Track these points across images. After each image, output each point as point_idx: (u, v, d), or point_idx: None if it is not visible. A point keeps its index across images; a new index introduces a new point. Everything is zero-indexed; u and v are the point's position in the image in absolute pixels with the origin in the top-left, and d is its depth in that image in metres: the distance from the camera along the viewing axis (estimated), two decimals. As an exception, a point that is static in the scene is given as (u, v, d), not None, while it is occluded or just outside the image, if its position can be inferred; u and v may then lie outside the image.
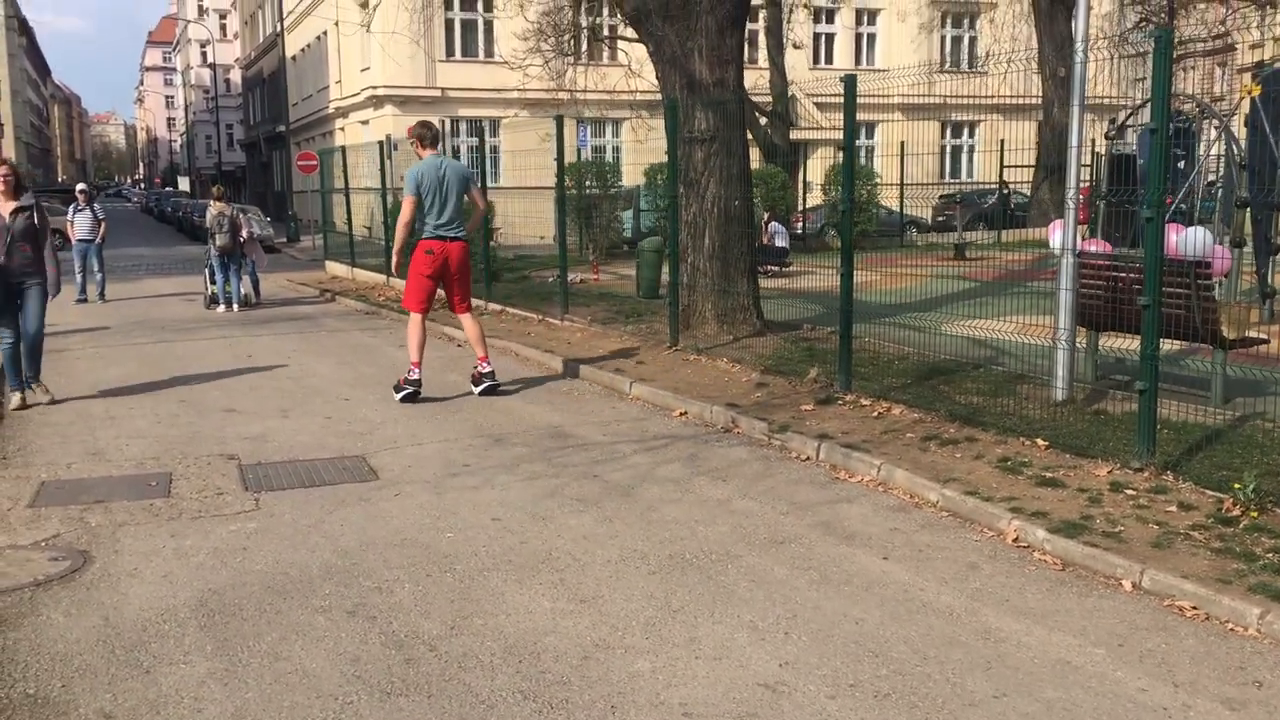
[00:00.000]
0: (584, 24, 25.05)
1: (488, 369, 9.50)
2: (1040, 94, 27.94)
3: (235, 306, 16.94)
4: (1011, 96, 23.49)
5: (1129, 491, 6.07)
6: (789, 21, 30.25)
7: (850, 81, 8.65)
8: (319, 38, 42.85)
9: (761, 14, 29.89)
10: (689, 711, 3.91)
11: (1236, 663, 4.27)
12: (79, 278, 18.49)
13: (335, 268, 22.76)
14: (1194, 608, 4.74)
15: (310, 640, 4.50)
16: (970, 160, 40.95)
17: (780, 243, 20.87)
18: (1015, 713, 3.88)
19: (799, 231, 27.72)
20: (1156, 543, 5.33)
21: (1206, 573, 4.94)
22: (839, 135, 33.99)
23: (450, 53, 35.06)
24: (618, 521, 6.01)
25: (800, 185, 30.14)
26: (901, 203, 28.91)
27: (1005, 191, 28.45)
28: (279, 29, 48.29)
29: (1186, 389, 8.51)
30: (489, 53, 34.69)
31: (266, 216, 38.47)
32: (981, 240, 24.57)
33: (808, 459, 7.29)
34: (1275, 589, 4.71)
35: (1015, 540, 5.64)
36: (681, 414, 8.65)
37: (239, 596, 4.96)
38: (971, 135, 40.87)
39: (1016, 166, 28.95)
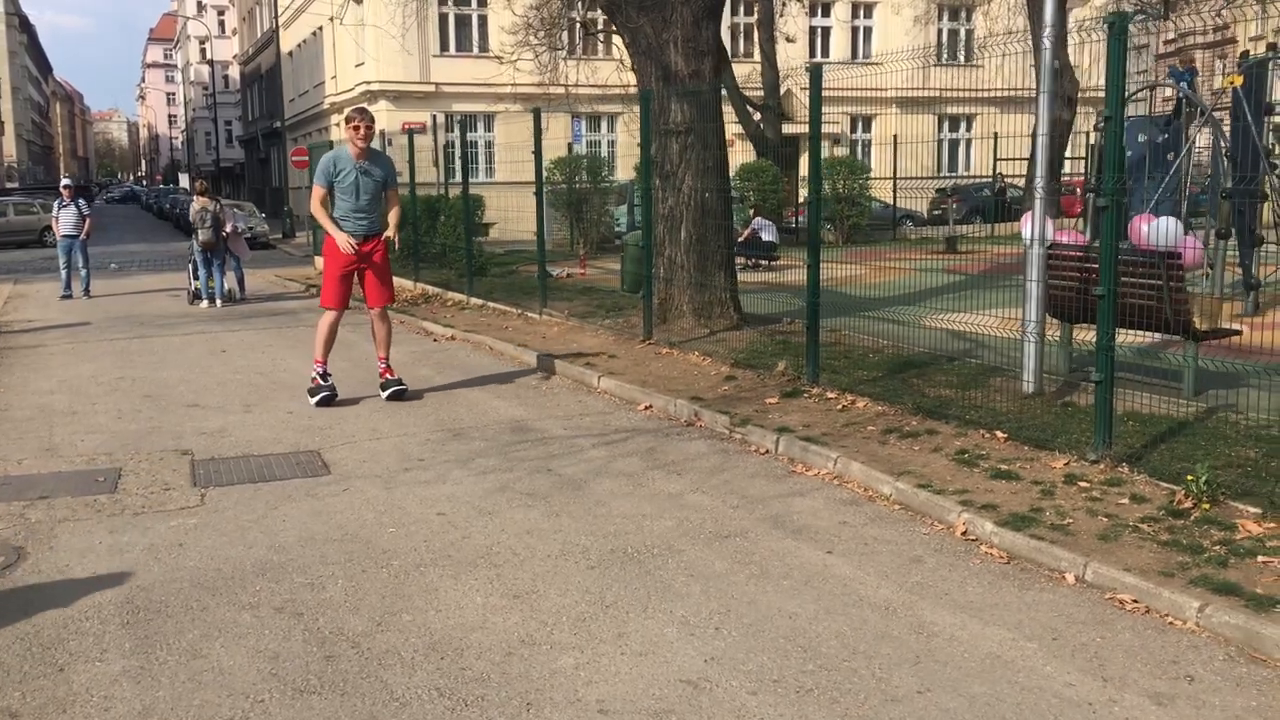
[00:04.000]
0: (573, 17, 24.93)
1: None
2: (1034, 86, 27.77)
3: (219, 302, 16.88)
4: (1006, 89, 23.37)
5: (1082, 484, 5.99)
6: (781, 15, 30.12)
7: (815, 71, 8.56)
8: (314, 33, 42.79)
9: (755, 7, 29.78)
10: (605, 709, 3.83)
11: (1170, 657, 4.19)
12: (63, 273, 18.44)
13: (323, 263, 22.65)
14: (1135, 601, 4.66)
15: (232, 638, 4.43)
16: (967, 153, 40.83)
17: (767, 237, 20.79)
18: (937, 708, 3.81)
19: (793, 226, 27.62)
20: (1104, 535, 5.24)
21: (1150, 565, 4.86)
22: (834, 128, 33.83)
23: (444, 48, 35.00)
24: (564, 516, 5.93)
25: (796, 180, 30.02)
26: (895, 196, 28.80)
27: (1001, 184, 28.33)
28: (275, 25, 48.22)
29: (1160, 381, 8.42)
30: (483, 47, 34.62)
31: (262, 213, 38.41)
32: (973, 233, 24.47)
33: (766, 452, 7.21)
34: (1217, 582, 4.63)
35: (964, 533, 5.56)
36: (646, 408, 8.57)
37: (167, 594, 4.89)
38: (968, 128, 40.73)
39: (1012, 159, 28.83)
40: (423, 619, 4.60)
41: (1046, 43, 8.10)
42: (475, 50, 34.92)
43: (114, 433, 8.00)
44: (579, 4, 23.43)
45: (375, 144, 9.26)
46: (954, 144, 41.05)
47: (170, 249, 31.41)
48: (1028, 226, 8.75)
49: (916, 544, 5.48)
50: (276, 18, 47.69)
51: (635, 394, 8.83)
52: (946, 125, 40.69)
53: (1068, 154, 23.76)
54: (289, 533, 5.70)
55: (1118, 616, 4.57)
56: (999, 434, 6.99)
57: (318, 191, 8.90)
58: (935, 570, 5.12)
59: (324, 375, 8.95)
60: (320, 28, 41.29)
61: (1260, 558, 4.89)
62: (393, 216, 9.07)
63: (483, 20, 34.98)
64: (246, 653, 4.29)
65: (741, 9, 36.50)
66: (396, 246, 9.28)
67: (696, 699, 3.90)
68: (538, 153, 12.95)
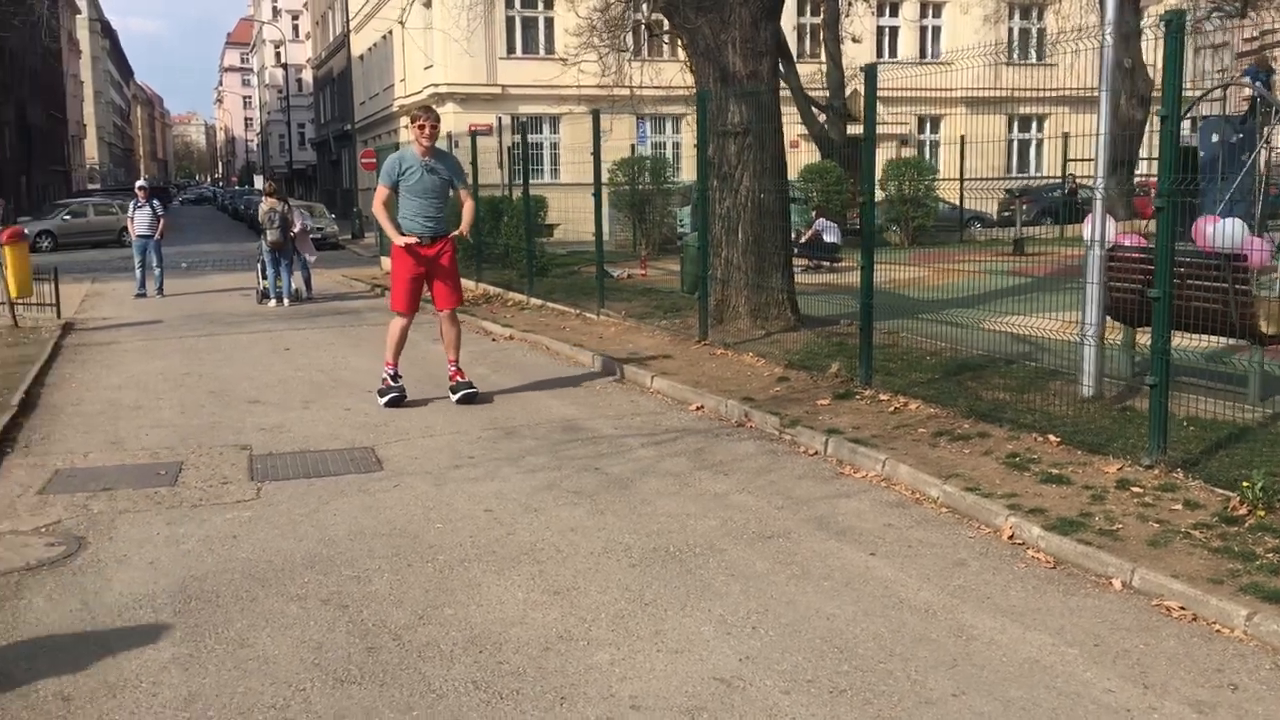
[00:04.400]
0: (636, 18, 24.99)
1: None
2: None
3: (286, 301, 17.19)
4: (1079, 89, 22.98)
5: (1135, 489, 5.89)
6: (847, 15, 29.92)
7: (870, 71, 8.52)
8: (385, 37, 43.38)
9: (821, 7, 29.62)
10: (637, 704, 3.86)
11: (1215, 665, 4.11)
12: (138, 273, 18.90)
13: (389, 263, 22.96)
14: (1182, 608, 4.58)
15: (278, 628, 4.53)
16: (1038, 154, 40.22)
17: (830, 238, 20.66)
18: (971, 711, 3.78)
19: (857, 227, 27.39)
20: (1154, 541, 5.16)
21: (1199, 572, 4.77)
22: (900, 129, 33.55)
23: (511, 50, 35.29)
24: (609, 514, 5.97)
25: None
26: (961, 197, 28.46)
27: (1072, 185, 27.87)
28: (346, 29, 48.98)
29: (1226, 387, 8.23)
30: (549, 50, 34.84)
31: (331, 213, 39.02)
32: (1042, 235, 24.10)
33: (815, 454, 7.19)
34: (1267, 590, 4.53)
35: (1010, 537, 5.50)
36: (698, 408, 8.59)
37: (218, 584, 5.01)
38: (1040, 128, 40.13)
39: (1084, 160, 28.34)
40: (464, 613, 4.67)
41: (1108, 39, 7.99)
42: (541, 52, 35.17)
43: (177, 427, 8.20)
44: (643, 6, 23.47)
45: (441, 145, 9.29)
46: (1024, 144, 40.46)
47: (243, 249, 32.02)
48: (1088, 227, 8.63)
49: (961, 547, 5.43)
50: (348, 22, 48.44)
51: (687, 394, 8.86)
52: (1017, 125, 40.11)
53: (1143, 154, 23.35)
54: (339, 527, 5.81)
55: (1163, 623, 4.50)
56: (1052, 438, 6.90)
57: (381, 192, 8.90)
58: (979, 574, 5.08)
59: (394, 376, 8.96)
60: (390, 31, 41.86)
61: (1315, 566, 4.79)
62: (466, 213, 9.14)
63: (549, 23, 35.23)
64: (291, 643, 4.39)
65: (808, 9, 36.36)
66: (470, 239, 9.25)
67: (729, 697, 3.91)
68: (596, 154, 13.02)
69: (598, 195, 13.28)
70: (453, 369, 9.13)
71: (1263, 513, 5.40)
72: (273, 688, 4.00)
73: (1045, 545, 5.31)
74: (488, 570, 5.17)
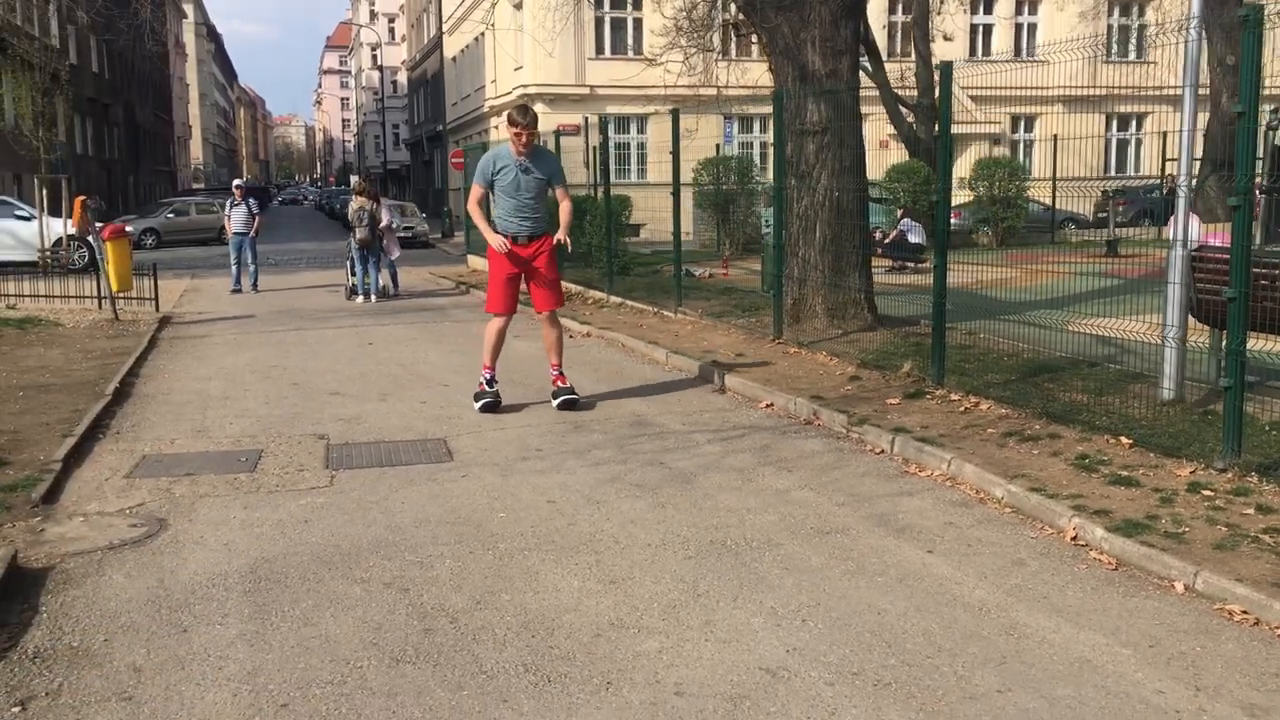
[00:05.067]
0: (725, 18, 25.01)
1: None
2: (1207, 83, 26.55)
3: (373, 297, 17.58)
4: (1179, 87, 22.48)
5: (1206, 493, 5.78)
6: (939, 12, 29.57)
7: (946, 69, 8.45)
8: (476, 39, 43.98)
9: (912, 5, 29.30)
10: (682, 691, 3.92)
11: (1274, 670, 4.03)
12: (234, 269, 19.48)
13: (476, 261, 23.32)
14: (1244, 612, 4.50)
15: (341, 609, 4.69)
16: (1137, 153, 39.27)
17: (914, 238, 20.48)
18: (1015, 708, 3.77)
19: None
20: (1220, 545, 5.06)
21: (1265, 577, 4.68)
22: (993, 129, 33.04)
23: (599, 50, 35.54)
24: (669, 508, 6.04)
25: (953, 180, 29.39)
26: (1054, 197, 27.93)
27: (1171, 185, 27.17)
28: (439, 32, 49.77)
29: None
30: (636, 50, 35.00)
31: (423, 212, 39.69)
32: (1138, 236, 23.55)
33: (881, 452, 7.17)
34: (1335, 596, 4.43)
35: (1073, 538, 5.44)
36: (767, 405, 8.61)
37: (287, 566, 5.20)
38: (1139, 127, 39.18)
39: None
40: (520, 599, 4.77)
41: (1193, 34, 7.82)
42: (629, 53, 35.34)
43: (259, 417, 8.48)
44: (730, 6, 23.50)
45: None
46: (1123, 144, 39.52)
47: (337, 248, 32.75)
48: (1171, 226, 8.46)
49: (1022, 547, 5.39)
50: (441, 25, 49.23)
51: (757, 391, 8.88)
52: (1115, 124, 39.20)
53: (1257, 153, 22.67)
54: (406, 514, 5.97)
55: (1223, 627, 4.42)
56: (1124, 440, 6.78)
57: (475, 191, 8.74)
58: (1037, 574, 5.03)
59: (490, 381, 8.68)
60: (481, 34, 42.42)
61: (1388, 574, 4.66)
62: (563, 216, 8.60)
63: (637, 23, 35.39)
64: (353, 623, 4.54)
65: (899, 8, 36.01)
66: (568, 248, 8.86)
67: (773, 686, 3.95)
68: (675, 153, 13.10)
69: (676, 194, 13.35)
70: (554, 373, 8.76)
71: (1338, 518, 5.27)
72: (331, 665, 4.15)
73: (1108, 547, 5.24)
74: (546, 559, 5.27)
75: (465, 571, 5.12)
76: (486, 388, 8.66)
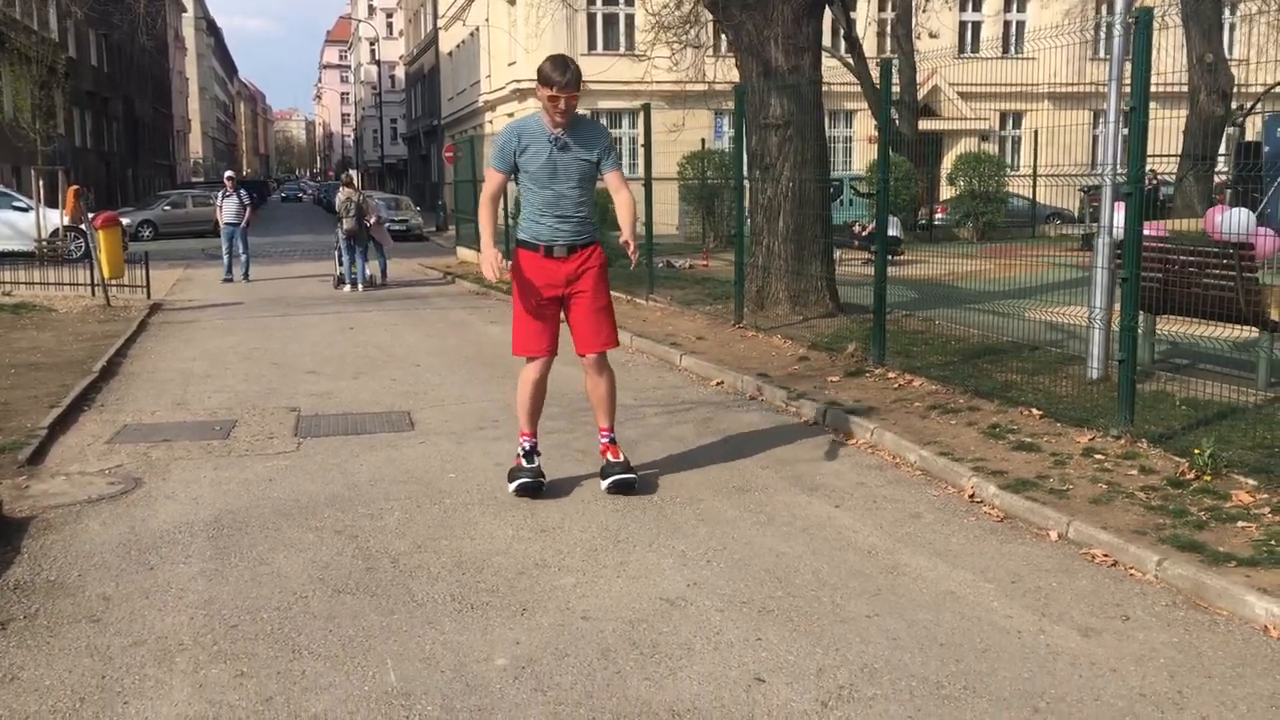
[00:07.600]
0: (703, 15, 25.48)
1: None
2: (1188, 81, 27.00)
3: (360, 286, 18.09)
4: (1160, 84, 22.90)
5: (1098, 456, 6.28)
6: (924, 10, 30.06)
7: (885, 66, 8.93)
8: (472, 34, 44.47)
9: (895, 1, 29.77)
10: (588, 616, 4.42)
11: (1116, 600, 4.54)
12: (225, 259, 19.99)
13: (465, 253, 23.85)
14: (1105, 555, 5.00)
15: (294, 551, 5.19)
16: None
17: (892, 231, 20.93)
18: (878, 629, 4.27)
19: (924, 223, 27.61)
20: (1097, 499, 5.57)
21: (1129, 525, 5.18)
22: (981, 125, 33.44)
23: (592, 46, 36.01)
24: (607, 469, 6.53)
25: (935, 176, 29.89)
26: (1035, 192, 28.41)
27: (1154, 181, 27.62)
28: (435, 26, 50.25)
29: (1239, 374, 8.47)
30: (629, 46, 35.47)
31: (418, 206, 40.20)
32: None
33: (815, 424, 7.67)
34: (1185, 540, 4.93)
35: (970, 496, 5.94)
36: (718, 383, 9.11)
37: (249, 517, 5.70)
38: (1125, 124, 39.55)
39: (1164, 156, 28.05)
40: (456, 545, 5.28)
41: (1117, 29, 8.29)
42: (621, 48, 35.83)
43: (237, 393, 8.98)
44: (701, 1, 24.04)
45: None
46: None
47: (330, 240, 33.28)
48: (1103, 216, 8.96)
49: (922, 504, 5.89)
50: (437, 19, 49.70)
51: (710, 371, 9.39)
52: (1101, 120, 39.57)
53: (1222, 150, 23.15)
54: (363, 474, 6.48)
55: (1083, 567, 4.92)
56: (1035, 411, 7.29)
57: (492, 179, 6.02)
58: (930, 525, 5.54)
59: (529, 454, 6.10)
60: (477, 28, 42.93)
61: (1240, 523, 5.16)
62: (623, 213, 5.89)
63: (629, 19, 35.86)
64: (303, 563, 5.04)
65: (889, 5, 36.46)
66: (633, 262, 6.00)
67: (670, 612, 4.45)
68: (647, 146, 13.61)
69: (648, 186, 13.85)
70: (604, 440, 6.22)
71: (1209, 477, 5.77)
72: (280, 595, 4.65)
73: (999, 502, 5.75)
74: (486, 512, 5.78)
75: (411, 522, 5.62)
76: (524, 463, 6.10)
